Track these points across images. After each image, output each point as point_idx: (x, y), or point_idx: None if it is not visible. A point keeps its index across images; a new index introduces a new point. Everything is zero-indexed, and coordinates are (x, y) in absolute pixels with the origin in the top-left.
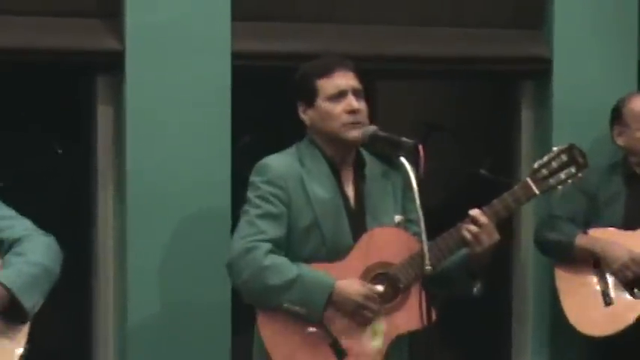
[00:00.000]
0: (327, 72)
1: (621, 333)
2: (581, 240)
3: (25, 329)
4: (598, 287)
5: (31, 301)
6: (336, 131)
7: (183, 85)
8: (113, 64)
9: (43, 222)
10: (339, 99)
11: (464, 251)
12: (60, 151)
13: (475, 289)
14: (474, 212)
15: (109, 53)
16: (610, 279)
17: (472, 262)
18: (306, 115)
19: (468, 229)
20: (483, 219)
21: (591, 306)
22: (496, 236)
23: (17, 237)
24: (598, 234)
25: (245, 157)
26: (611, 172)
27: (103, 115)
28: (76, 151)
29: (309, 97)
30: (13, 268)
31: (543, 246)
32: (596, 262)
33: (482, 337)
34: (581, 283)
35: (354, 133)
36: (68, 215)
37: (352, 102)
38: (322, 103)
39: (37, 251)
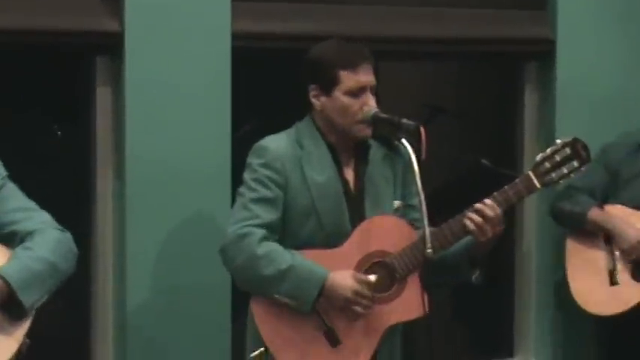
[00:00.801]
0: (352, 65)
1: (625, 317)
2: (594, 213)
3: (25, 325)
4: (606, 265)
5: (31, 298)
6: (348, 126)
7: (183, 66)
8: (112, 45)
9: (40, 206)
10: (357, 95)
11: (465, 239)
12: (59, 133)
13: (474, 278)
14: (479, 205)
15: (107, 34)
16: (619, 258)
17: (473, 250)
18: (318, 101)
19: (471, 219)
20: (488, 211)
21: (596, 284)
22: (500, 227)
23: (31, 230)
24: (612, 210)
25: (246, 139)
26: (638, 150)
27: (102, 97)
28: (74, 134)
29: (328, 85)
30: (17, 262)
31: (557, 216)
32: (607, 239)
33: (485, 325)
34: (589, 259)
35: (366, 132)
36: (66, 199)
37: (370, 101)
38: (340, 96)
39: (45, 246)
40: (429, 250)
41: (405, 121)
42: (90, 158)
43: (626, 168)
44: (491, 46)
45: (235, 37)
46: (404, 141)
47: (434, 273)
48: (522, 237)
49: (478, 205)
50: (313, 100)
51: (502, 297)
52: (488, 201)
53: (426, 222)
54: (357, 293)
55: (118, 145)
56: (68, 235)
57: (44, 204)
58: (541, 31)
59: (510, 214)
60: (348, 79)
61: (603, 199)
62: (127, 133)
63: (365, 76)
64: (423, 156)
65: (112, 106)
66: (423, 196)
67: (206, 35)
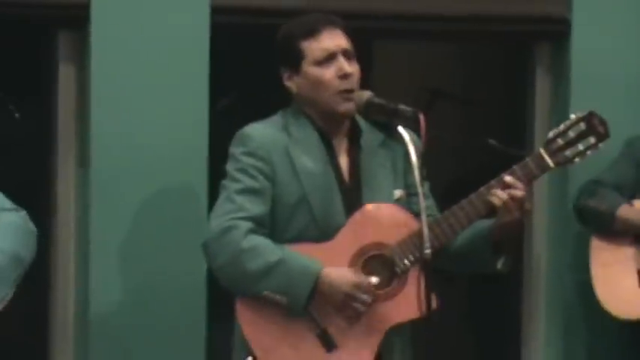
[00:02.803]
0: (312, 32)
1: None
2: (624, 211)
3: None
4: (635, 265)
5: None
6: (326, 101)
7: (156, 42)
8: (76, 17)
9: None
10: (328, 63)
11: (485, 222)
12: (17, 115)
13: (499, 265)
14: (509, 178)
15: (71, 5)
16: None
17: (497, 233)
18: (292, 83)
19: (497, 196)
20: (519, 186)
21: (624, 285)
22: (528, 205)
23: None
24: None
25: (224, 123)
26: None
27: (65, 75)
28: (34, 115)
29: (294, 61)
30: None
31: (581, 214)
32: (637, 238)
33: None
34: (617, 257)
35: (348, 106)
36: (24, 187)
37: (344, 65)
38: (309, 69)
39: (4, 235)
40: (427, 251)
41: (402, 107)
42: (51, 143)
43: None
44: (499, 25)
45: (215, 11)
46: (401, 129)
47: (450, 263)
48: (531, 234)
49: (507, 178)
50: (288, 84)
51: (509, 299)
52: (510, 178)
53: (424, 218)
54: (356, 286)
55: (82, 129)
56: (23, 214)
57: None
58: (555, 8)
59: None
60: (312, 48)
61: (631, 197)
62: (93, 114)
63: (330, 41)
64: (423, 146)
65: (75, 84)
66: (421, 190)
67: (182, 8)
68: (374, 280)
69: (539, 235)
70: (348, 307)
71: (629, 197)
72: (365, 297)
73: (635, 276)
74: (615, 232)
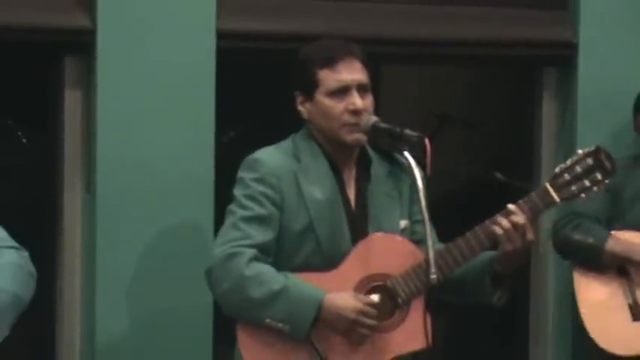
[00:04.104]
0: (330, 62)
1: None
2: (613, 245)
3: None
4: (625, 299)
5: None
6: (334, 132)
7: (162, 67)
8: (83, 43)
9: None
10: (340, 95)
11: (487, 254)
12: (24, 141)
13: (496, 299)
14: (512, 206)
15: (78, 31)
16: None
17: (500, 263)
18: (303, 108)
19: (500, 225)
20: (517, 216)
21: (617, 320)
22: (531, 236)
23: None
24: (625, 237)
25: (230, 149)
26: (636, 166)
27: (71, 100)
28: (40, 140)
29: (308, 88)
30: None
31: (565, 247)
32: (621, 270)
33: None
34: (605, 293)
35: (355, 136)
36: (30, 213)
37: (356, 100)
38: (322, 98)
39: (5, 274)
40: (434, 276)
41: (407, 131)
42: (57, 168)
43: (629, 187)
44: (506, 50)
45: (220, 35)
46: (406, 154)
47: (446, 293)
48: (538, 262)
49: (510, 207)
50: (300, 108)
51: (515, 321)
52: (513, 207)
53: (430, 243)
54: (361, 313)
55: (88, 154)
56: (25, 255)
57: (4, 219)
58: (561, 33)
59: None
60: (327, 78)
61: (607, 225)
62: (99, 140)
63: (347, 74)
64: (429, 171)
65: (81, 110)
66: (427, 215)
67: (188, 33)
68: (375, 298)
69: (545, 261)
70: (353, 333)
71: (607, 226)
72: (369, 322)
73: (627, 310)
74: (600, 265)
